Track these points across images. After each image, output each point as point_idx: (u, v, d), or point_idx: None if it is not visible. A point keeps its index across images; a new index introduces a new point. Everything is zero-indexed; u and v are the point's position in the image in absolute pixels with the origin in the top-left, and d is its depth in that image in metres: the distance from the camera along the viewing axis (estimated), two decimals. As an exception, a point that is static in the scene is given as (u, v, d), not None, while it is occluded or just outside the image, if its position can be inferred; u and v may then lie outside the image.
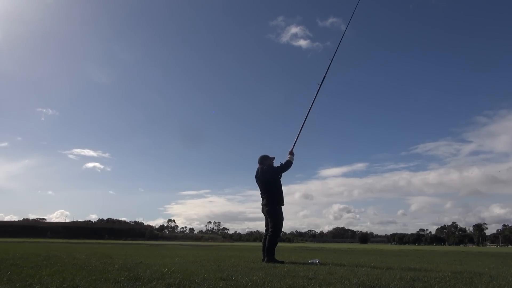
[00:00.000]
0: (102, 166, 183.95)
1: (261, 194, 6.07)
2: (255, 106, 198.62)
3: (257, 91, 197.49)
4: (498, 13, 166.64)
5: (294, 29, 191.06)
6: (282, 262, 5.44)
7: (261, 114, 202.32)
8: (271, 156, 6.15)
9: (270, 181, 5.96)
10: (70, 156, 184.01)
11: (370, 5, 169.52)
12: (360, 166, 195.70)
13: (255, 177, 6.09)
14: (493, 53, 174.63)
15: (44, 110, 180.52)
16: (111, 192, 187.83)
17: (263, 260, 5.72)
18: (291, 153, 6.11)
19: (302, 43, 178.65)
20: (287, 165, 6.00)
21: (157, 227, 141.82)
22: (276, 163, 6.07)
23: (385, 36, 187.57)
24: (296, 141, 6.33)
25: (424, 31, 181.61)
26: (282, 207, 5.94)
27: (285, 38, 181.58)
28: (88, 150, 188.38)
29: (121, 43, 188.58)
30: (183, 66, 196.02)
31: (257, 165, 6.12)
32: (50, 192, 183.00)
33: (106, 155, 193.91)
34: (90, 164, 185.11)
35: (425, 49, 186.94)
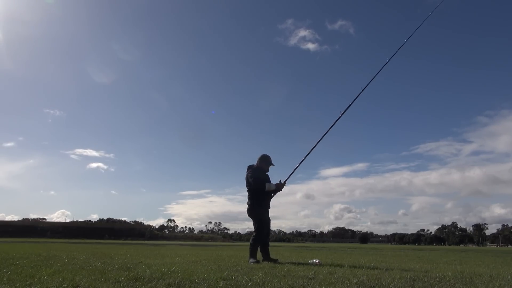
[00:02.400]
0: (105, 167, 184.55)
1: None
2: (258, 106, 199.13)
3: (261, 91, 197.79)
4: (499, 13, 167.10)
5: (302, 32, 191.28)
6: (258, 262, 5.37)
7: (264, 114, 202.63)
8: (272, 162, 6.01)
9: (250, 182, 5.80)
10: (73, 156, 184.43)
11: (374, 6, 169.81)
12: (361, 166, 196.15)
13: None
14: (495, 53, 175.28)
15: (52, 112, 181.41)
16: (113, 192, 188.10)
17: (263, 259, 5.71)
18: (280, 184, 5.82)
19: (310, 46, 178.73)
20: (261, 186, 5.73)
21: (157, 227, 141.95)
22: (273, 173, 5.98)
23: (387, 36, 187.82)
24: (291, 173, 6.02)
25: (426, 32, 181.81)
26: (268, 209, 5.84)
27: (293, 41, 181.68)
28: (91, 150, 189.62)
29: (124, 44, 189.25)
30: (187, 66, 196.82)
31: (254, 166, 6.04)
32: (52, 192, 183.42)
33: (109, 155, 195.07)
34: (93, 165, 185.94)
35: (427, 49, 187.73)
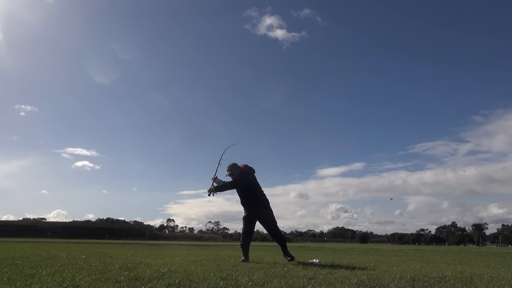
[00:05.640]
0: (98, 167, 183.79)
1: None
2: (258, 106, 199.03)
3: (261, 91, 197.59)
4: (495, 13, 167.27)
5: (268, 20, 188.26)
6: (243, 261, 5.70)
7: (264, 114, 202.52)
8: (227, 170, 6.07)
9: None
10: (64, 155, 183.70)
11: (368, 4, 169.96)
12: (358, 165, 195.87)
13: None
14: (490, 53, 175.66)
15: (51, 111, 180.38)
16: (104, 191, 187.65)
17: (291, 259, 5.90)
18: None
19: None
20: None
21: (157, 226, 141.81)
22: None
23: (383, 35, 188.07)
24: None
25: (422, 30, 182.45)
26: (245, 212, 6.03)
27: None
28: (82, 149, 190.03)
29: (124, 44, 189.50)
30: (187, 66, 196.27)
31: (253, 166, 6.15)
32: (44, 191, 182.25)
33: (100, 154, 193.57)
34: (83, 163, 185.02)
35: (423, 49, 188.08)
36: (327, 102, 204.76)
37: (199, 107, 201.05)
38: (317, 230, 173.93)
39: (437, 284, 3.33)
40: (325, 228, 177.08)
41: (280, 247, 6.05)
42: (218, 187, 5.92)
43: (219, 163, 6.21)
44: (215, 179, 6.14)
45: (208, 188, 5.90)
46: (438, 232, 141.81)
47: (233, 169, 5.96)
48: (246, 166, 6.07)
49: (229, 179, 6.08)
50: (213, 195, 5.92)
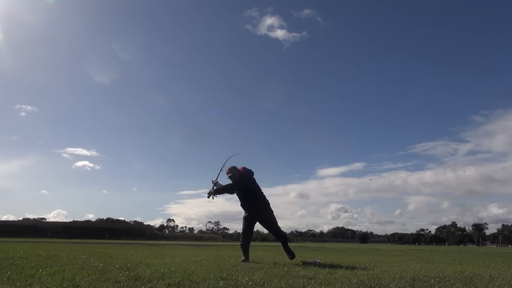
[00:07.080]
0: (98, 167, 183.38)
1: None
2: (258, 107, 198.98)
3: (261, 91, 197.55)
4: (495, 13, 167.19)
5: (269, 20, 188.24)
6: (243, 261, 5.77)
7: (264, 114, 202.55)
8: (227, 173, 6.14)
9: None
10: (64, 155, 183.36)
11: (369, 4, 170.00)
12: (358, 165, 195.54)
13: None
14: (490, 53, 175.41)
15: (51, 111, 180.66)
16: (104, 191, 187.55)
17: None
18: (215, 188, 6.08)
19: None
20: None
21: (157, 226, 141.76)
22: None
23: (383, 35, 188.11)
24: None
25: (422, 31, 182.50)
26: (246, 213, 6.05)
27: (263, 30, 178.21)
28: (82, 149, 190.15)
29: (124, 44, 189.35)
30: (187, 66, 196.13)
31: (253, 166, 6.22)
32: (44, 191, 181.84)
33: (100, 154, 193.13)
34: (83, 163, 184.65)
35: (422, 49, 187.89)
36: (327, 102, 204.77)
37: (199, 107, 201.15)
38: (317, 230, 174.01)
39: (437, 284, 3.33)
40: (325, 228, 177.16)
41: (281, 246, 6.20)
42: (218, 190, 6.02)
43: (221, 169, 6.28)
44: (216, 183, 6.19)
45: (208, 191, 5.98)
46: (438, 232, 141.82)
47: (233, 171, 6.05)
48: (244, 168, 6.18)
49: (229, 182, 6.12)
50: (213, 197, 6.02)
